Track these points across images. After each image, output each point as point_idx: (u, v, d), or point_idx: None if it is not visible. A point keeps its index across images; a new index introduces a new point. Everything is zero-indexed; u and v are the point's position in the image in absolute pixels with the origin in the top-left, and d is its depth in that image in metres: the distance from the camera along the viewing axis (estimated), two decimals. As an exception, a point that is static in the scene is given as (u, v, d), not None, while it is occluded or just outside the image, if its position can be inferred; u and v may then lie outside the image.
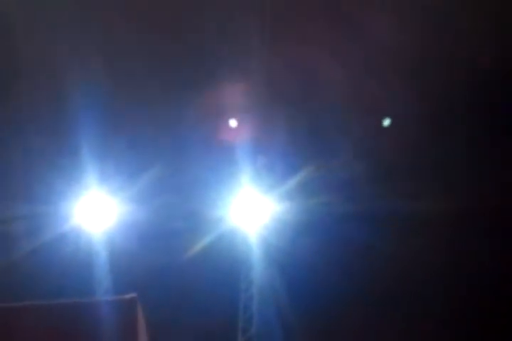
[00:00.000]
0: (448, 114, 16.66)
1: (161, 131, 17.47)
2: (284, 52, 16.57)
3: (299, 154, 17.45)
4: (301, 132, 17.39)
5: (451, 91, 16.23)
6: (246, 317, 17.86)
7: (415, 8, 15.61)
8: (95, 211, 17.55)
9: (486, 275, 16.97)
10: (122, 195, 17.47)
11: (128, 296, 8.64)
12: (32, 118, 16.99)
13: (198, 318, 17.43)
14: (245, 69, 16.85)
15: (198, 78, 17.06)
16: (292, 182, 17.39)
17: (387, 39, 15.98)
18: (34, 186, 17.04)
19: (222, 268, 17.88)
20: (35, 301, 8.71)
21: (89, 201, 17.50)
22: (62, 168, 16.87)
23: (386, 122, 17.12)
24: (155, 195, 17.47)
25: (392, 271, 17.05)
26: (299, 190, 17.39)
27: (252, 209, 18.00)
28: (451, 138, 16.91)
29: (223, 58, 16.77)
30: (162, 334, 16.38)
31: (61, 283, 16.33)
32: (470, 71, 15.92)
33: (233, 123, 17.49)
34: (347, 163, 16.97)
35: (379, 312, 17.13)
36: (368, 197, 16.98)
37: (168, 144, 17.53)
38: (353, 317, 17.15)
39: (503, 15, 15.49)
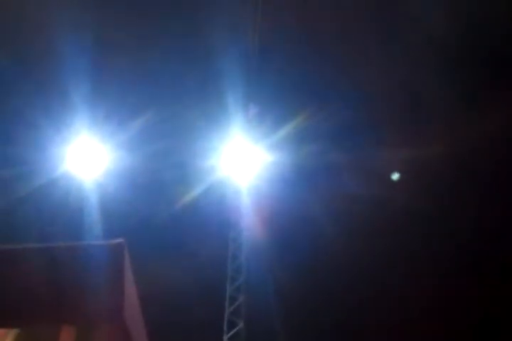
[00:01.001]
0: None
1: (153, 78, 17.32)
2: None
3: (290, 103, 17.34)
4: (292, 81, 17.26)
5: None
6: (234, 266, 17.98)
7: None
8: (86, 157, 17.46)
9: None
10: (113, 142, 17.36)
11: (116, 241, 8.62)
12: (22, 64, 16.80)
13: (188, 265, 17.55)
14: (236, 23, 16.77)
15: (188, 26, 16.92)
16: (283, 131, 17.32)
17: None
18: (24, 132, 16.94)
19: (212, 217, 17.95)
20: (24, 244, 8.68)
21: (80, 147, 17.38)
22: (52, 113, 16.73)
23: (395, 176, 17.22)
24: (146, 143, 17.38)
25: (382, 219, 17.11)
26: (290, 139, 17.33)
27: (243, 159, 17.95)
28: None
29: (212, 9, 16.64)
30: (150, 282, 16.52)
31: (52, 228, 16.37)
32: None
33: None
34: (338, 112, 16.87)
35: (370, 265, 17.26)
36: (359, 146, 16.94)
37: (159, 91, 17.39)
38: (342, 268, 17.28)
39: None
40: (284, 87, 17.48)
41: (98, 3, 16.74)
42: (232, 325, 17.38)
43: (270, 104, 17.67)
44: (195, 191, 17.35)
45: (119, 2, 16.94)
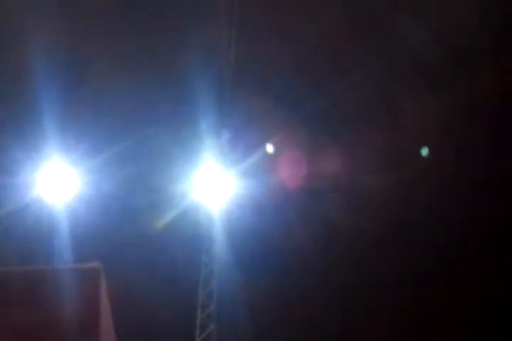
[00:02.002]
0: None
1: (125, 102, 17.31)
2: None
3: (264, 129, 17.42)
4: (266, 106, 17.35)
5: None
6: (206, 293, 17.84)
7: None
8: (56, 181, 17.31)
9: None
10: (84, 166, 17.25)
11: (92, 265, 8.58)
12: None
13: (159, 291, 17.41)
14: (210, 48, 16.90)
15: (162, 50, 16.99)
16: (256, 157, 17.37)
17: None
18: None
19: (184, 242, 17.85)
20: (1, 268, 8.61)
21: (51, 171, 17.24)
22: (22, 138, 16.62)
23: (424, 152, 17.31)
24: (118, 168, 17.29)
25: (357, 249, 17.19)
26: (262, 166, 17.38)
27: (214, 185, 17.94)
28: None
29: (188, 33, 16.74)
30: (123, 307, 16.35)
31: (22, 254, 16.16)
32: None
33: None
34: (310, 138, 16.98)
35: (345, 287, 17.26)
36: (333, 172, 17.03)
37: (131, 115, 17.37)
38: (317, 289, 17.26)
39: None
40: (256, 113, 17.56)
41: (72, 27, 16.76)
42: (203, 353, 17.23)
43: (243, 130, 17.73)
44: (167, 216, 17.28)
45: (93, 25, 16.98)
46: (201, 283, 17.84)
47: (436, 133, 17.16)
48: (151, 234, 17.26)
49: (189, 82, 17.05)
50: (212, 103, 17.37)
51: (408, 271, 17.04)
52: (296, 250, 17.36)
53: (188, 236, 17.82)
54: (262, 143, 17.60)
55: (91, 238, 16.82)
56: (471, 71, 16.59)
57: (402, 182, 16.94)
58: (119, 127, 17.27)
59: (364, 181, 17.17)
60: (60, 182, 17.36)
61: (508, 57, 16.63)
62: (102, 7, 16.80)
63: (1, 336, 8.03)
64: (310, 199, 17.32)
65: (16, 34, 16.49)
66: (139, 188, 17.61)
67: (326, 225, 17.39)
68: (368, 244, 17.39)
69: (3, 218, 16.50)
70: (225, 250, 17.82)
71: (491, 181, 16.79)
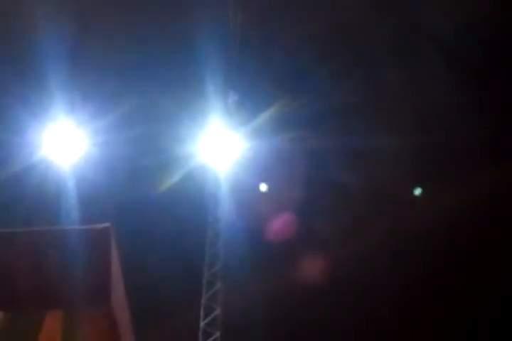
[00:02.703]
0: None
1: (132, 65, 17.25)
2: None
3: (270, 90, 17.37)
4: (273, 68, 17.29)
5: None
6: (212, 252, 18.02)
7: None
8: (63, 142, 17.34)
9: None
10: (91, 127, 17.27)
11: (102, 225, 8.64)
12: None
13: (166, 252, 17.57)
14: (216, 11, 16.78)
15: (168, 13, 16.89)
16: (262, 118, 17.35)
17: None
18: (0, 117, 16.81)
19: (190, 203, 17.94)
20: (8, 229, 8.64)
21: (57, 132, 17.25)
22: (29, 98, 16.61)
23: (417, 191, 17.40)
24: (124, 128, 17.30)
25: (362, 205, 17.24)
26: (269, 127, 17.38)
27: (221, 146, 17.97)
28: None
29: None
30: (131, 267, 16.49)
31: (29, 214, 16.26)
32: None
33: None
34: (317, 99, 16.93)
35: (346, 247, 17.38)
36: (339, 132, 17.02)
37: (138, 78, 17.32)
38: (319, 254, 17.39)
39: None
40: (263, 74, 17.51)
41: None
42: (209, 310, 17.45)
43: (249, 91, 17.69)
44: (174, 177, 17.34)
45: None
46: (207, 243, 18.01)
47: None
48: (158, 195, 17.34)
49: (196, 44, 16.97)
50: (219, 64, 17.30)
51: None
52: (303, 210, 17.46)
53: (194, 197, 17.91)
54: (268, 104, 17.56)
55: (98, 199, 16.92)
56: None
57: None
58: (126, 88, 17.25)
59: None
60: (66, 142, 17.38)
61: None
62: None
63: (2, 299, 8.08)
64: (317, 160, 17.35)
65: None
66: (145, 149, 17.64)
67: (331, 186, 17.45)
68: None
69: (9, 177, 16.56)
70: (231, 211, 17.92)
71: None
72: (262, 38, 17.41)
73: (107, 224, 8.75)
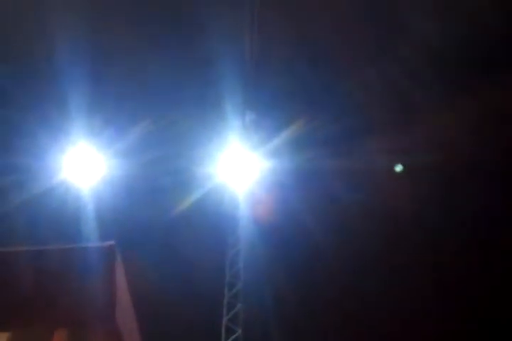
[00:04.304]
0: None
1: (150, 87, 17.38)
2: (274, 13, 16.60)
3: (288, 110, 17.40)
4: (290, 88, 17.32)
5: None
6: (232, 273, 17.97)
7: None
8: (83, 165, 17.48)
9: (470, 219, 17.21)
10: (110, 150, 17.39)
11: (107, 243, 8.68)
12: (20, 73, 16.87)
13: (185, 273, 17.55)
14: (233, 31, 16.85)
15: (186, 34, 17.00)
16: (280, 138, 17.37)
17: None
18: (22, 140, 16.99)
19: (209, 224, 17.96)
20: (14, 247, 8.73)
21: (77, 155, 17.41)
22: (49, 121, 16.78)
23: (398, 168, 17.33)
24: (143, 150, 17.42)
25: (379, 226, 17.13)
26: (287, 146, 17.39)
27: (240, 166, 17.99)
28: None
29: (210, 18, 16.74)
30: (147, 288, 16.53)
31: (49, 237, 16.35)
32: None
33: None
34: (335, 119, 16.92)
35: (363, 267, 17.26)
36: (356, 153, 16.98)
37: (157, 99, 17.45)
38: (338, 273, 17.27)
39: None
40: (280, 94, 17.55)
41: (97, 14, 16.84)
42: (230, 332, 17.35)
43: (267, 111, 17.73)
44: (193, 198, 17.38)
45: (118, 13, 17.04)
46: (227, 264, 17.96)
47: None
48: (177, 216, 17.37)
49: (214, 65, 17.07)
50: (237, 85, 17.36)
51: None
52: (322, 229, 17.37)
53: (214, 217, 17.92)
54: (286, 124, 17.58)
55: (117, 221, 16.97)
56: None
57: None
58: (145, 110, 17.38)
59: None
60: (86, 165, 17.52)
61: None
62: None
63: (13, 316, 8.13)
64: (334, 180, 17.29)
65: (41, 16, 16.61)
66: (164, 170, 17.72)
67: (351, 205, 17.37)
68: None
69: (30, 201, 16.70)
70: (250, 231, 17.90)
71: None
72: (279, 57, 17.46)
73: (111, 242, 8.80)
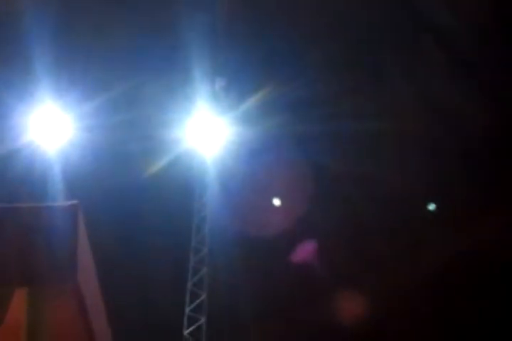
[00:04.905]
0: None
1: (118, 50, 17.18)
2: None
3: (257, 75, 17.32)
4: (259, 53, 17.24)
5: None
6: (198, 238, 17.98)
7: None
8: (49, 126, 17.28)
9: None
10: (77, 112, 17.20)
11: (70, 202, 8.59)
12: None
13: (151, 237, 17.53)
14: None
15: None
16: (249, 103, 17.30)
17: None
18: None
19: (176, 189, 17.90)
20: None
21: (44, 116, 17.20)
22: (15, 82, 16.54)
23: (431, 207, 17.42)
24: (111, 113, 17.24)
25: (347, 191, 17.19)
26: (255, 112, 17.32)
27: (208, 131, 17.92)
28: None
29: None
30: (116, 253, 16.51)
31: (15, 198, 16.19)
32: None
33: None
34: (303, 84, 16.86)
35: (335, 232, 17.34)
36: (324, 117, 16.95)
37: (125, 63, 17.25)
38: (301, 236, 17.36)
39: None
40: (249, 60, 17.45)
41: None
42: (194, 296, 17.42)
43: (236, 77, 17.63)
44: (160, 162, 17.30)
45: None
46: (194, 229, 17.96)
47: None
48: (145, 180, 17.30)
49: (183, 30, 16.92)
50: (206, 50, 17.24)
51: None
52: (288, 195, 17.42)
53: (181, 182, 17.87)
54: (255, 90, 17.49)
55: (83, 184, 16.84)
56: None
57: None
58: (113, 73, 17.19)
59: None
60: (52, 126, 17.32)
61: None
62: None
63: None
64: (302, 145, 17.31)
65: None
66: (132, 134, 17.58)
67: (316, 170, 17.39)
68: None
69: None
70: (217, 197, 17.88)
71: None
72: (248, 23, 17.32)
73: (74, 202, 8.70)
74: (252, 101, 17.27)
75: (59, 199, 16.63)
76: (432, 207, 17.70)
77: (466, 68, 16.71)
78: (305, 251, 17.42)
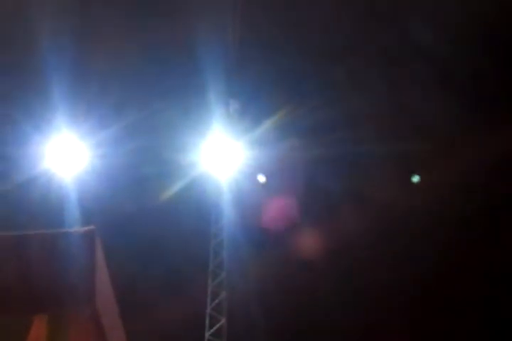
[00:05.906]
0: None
1: (133, 76, 17.31)
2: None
3: (272, 98, 17.36)
4: (274, 77, 17.29)
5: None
6: (216, 263, 17.94)
7: None
8: (65, 154, 17.37)
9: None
10: (93, 139, 17.29)
11: (87, 228, 8.61)
12: (2, 61, 16.75)
13: (168, 263, 17.52)
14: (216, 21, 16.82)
15: (169, 23, 16.94)
16: (264, 127, 17.33)
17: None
18: (3, 129, 16.88)
19: (192, 213, 17.91)
20: None
21: (60, 144, 17.29)
22: (32, 110, 16.68)
23: (415, 179, 17.40)
24: (126, 140, 17.33)
25: (363, 213, 17.16)
26: (270, 135, 17.36)
27: (223, 155, 17.94)
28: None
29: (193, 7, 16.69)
30: (132, 279, 16.50)
31: (31, 227, 16.20)
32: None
33: None
34: (318, 107, 16.89)
35: (353, 253, 17.28)
36: (340, 142, 16.96)
37: (140, 88, 17.38)
38: (324, 263, 17.31)
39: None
40: (264, 83, 17.52)
41: (79, 1, 16.74)
42: (214, 321, 17.35)
43: (251, 100, 17.70)
44: (176, 187, 17.32)
45: (100, 1, 16.96)
46: (211, 253, 17.93)
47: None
48: (161, 205, 17.33)
49: (197, 53, 17.00)
50: (220, 73, 17.32)
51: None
52: (306, 218, 17.38)
53: (197, 206, 17.88)
54: (270, 113, 17.55)
55: (100, 210, 16.89)
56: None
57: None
58: (128, 99, 17.31)
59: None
60: (69, 154, 17.41)
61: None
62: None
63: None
64: (318, 169, 17.29)
65: (23, 10, 16.50)
66: (148, 159, 17.65)
67: (335, 195, 17.38)
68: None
69: (12, 189, 16.59)
70: (233, 220, 17.86)
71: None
72: (263, 46, 17.42)
73: (91, 227, 8.72)
74: (267, 124, 17.30)
75: (76, 226, 16.68)
76: (415, 179, 17.57)
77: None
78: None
